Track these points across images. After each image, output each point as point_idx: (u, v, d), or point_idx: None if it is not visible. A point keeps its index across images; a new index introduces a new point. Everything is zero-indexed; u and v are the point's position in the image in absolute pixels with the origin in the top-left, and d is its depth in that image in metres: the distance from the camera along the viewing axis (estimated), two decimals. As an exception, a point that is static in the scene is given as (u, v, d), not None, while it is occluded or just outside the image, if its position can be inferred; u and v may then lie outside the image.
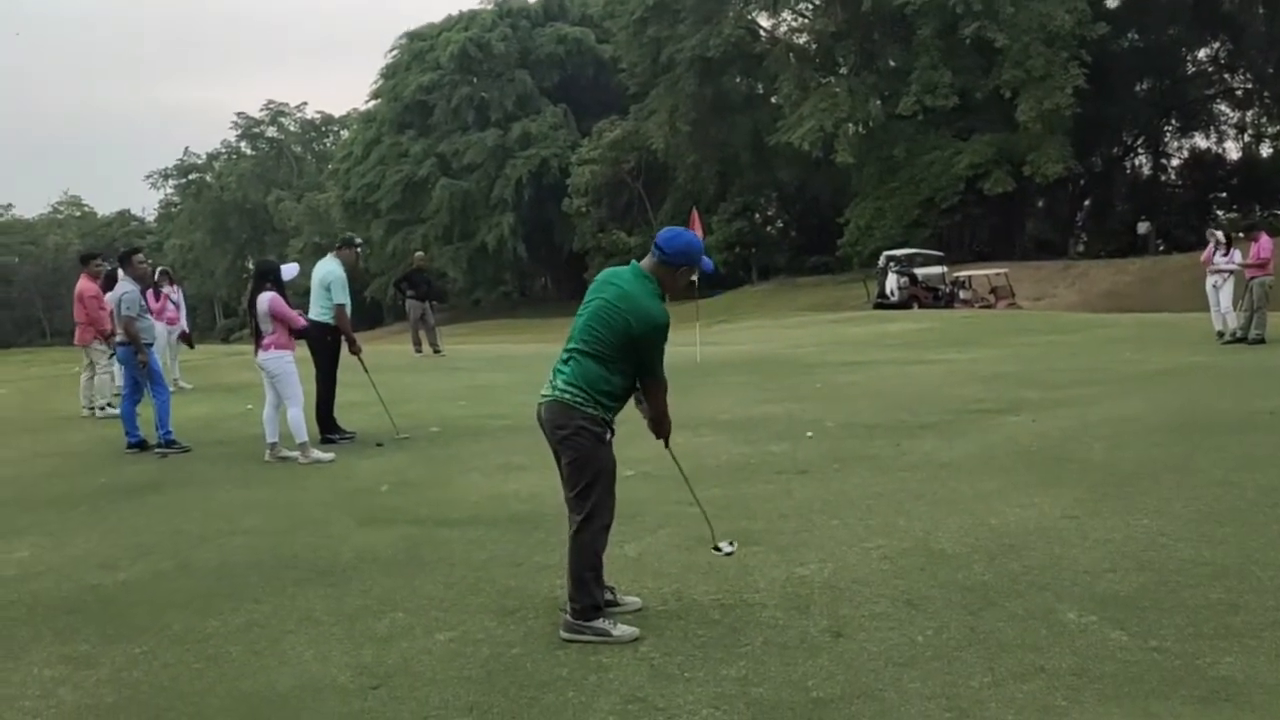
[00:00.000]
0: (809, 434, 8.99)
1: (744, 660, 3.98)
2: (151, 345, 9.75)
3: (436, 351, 19.27)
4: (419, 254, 22.84)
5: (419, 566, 5.49)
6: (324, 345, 9.83)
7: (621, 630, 4.33)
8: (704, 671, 3.90)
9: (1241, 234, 16.35)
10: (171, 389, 14.15)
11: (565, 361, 4.37)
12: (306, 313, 9.64)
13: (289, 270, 9.42)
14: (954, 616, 4.33)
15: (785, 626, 4.32)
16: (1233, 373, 11.94)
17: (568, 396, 4.30)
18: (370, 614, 4.75)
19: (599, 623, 4.30)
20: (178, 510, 7.22)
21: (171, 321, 14.25)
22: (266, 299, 8.74)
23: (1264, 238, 15.26)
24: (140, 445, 9.58)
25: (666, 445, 4.71)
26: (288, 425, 8.86)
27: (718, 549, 4.91)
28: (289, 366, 8.86)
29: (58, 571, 5.76)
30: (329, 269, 9.85)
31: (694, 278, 4.70)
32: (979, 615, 4.33)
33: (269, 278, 8.92)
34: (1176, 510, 5.87)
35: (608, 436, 4.36)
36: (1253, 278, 14.92)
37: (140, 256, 9.91)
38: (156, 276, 14.59)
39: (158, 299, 13.98)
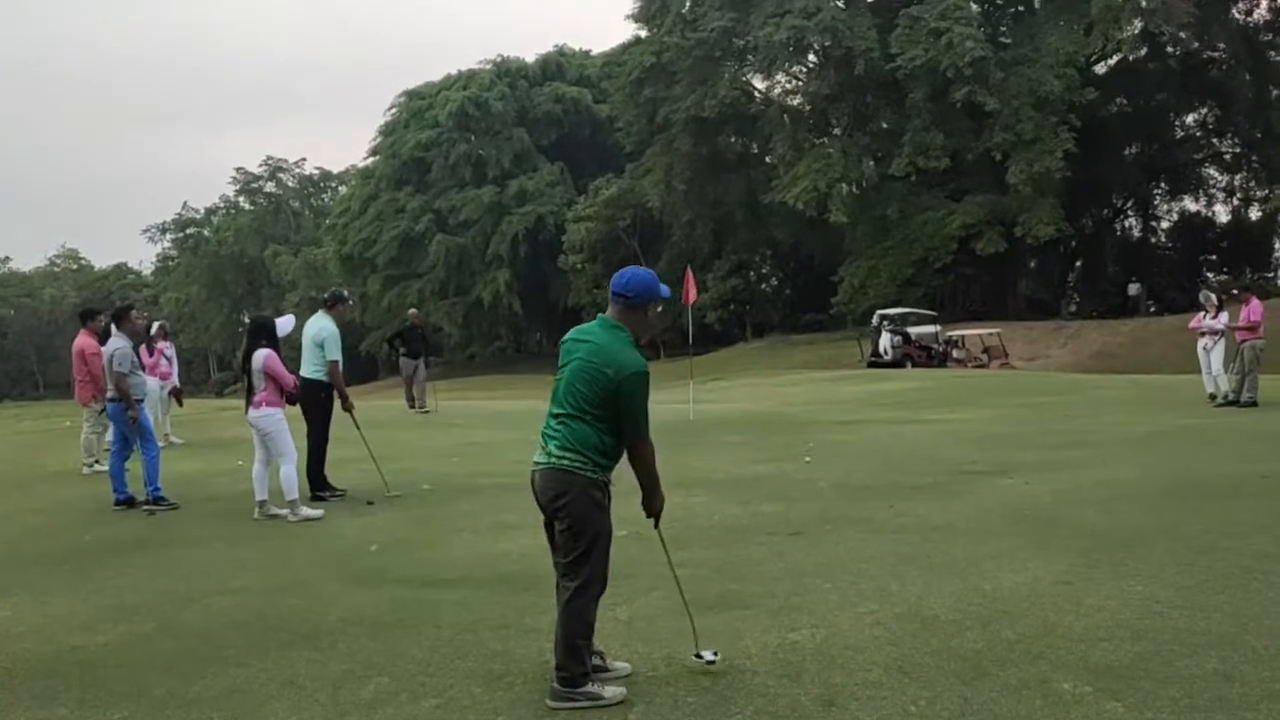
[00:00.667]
0: (821, 484, 8.95)
1: (734, 730, 3.92)
2: (142, 401, 9.70)
3: (423, 410, 19.02)
4: (413, 311, 22.86)
5: (406, 629, 5.42)
6: (317, 402, 9.79)
7: (611, 692, 4.27)
8: (693, 742, 3.84)
9: (1235, 292, 16.47)
10: (162, 444, 14.08)
11: (555, 427, 4.30)
12: (298, 370, 9.63)
13: (284, 324, 9.37)
14: (947, 686, 4.27)
15: (777, 695, 4.26)
16: (1224, 436, 11.93)
17: (566, 463, 4.23)
18: (355, 679, 4.67)
19: (588, 687, 4.23)
20: (164, 569, 7.13)
21: (164, 376, 14.22)
22: (262, 356, 8.73)
23: (1254, 301, 15.36)
24: (128, 502, 9.50)
25: (656, 525, 4.52)
26: (279, 481, 8.80)
27: (699, 656, 4.52)
28: (280, 424, 8.83)
29: (38, 633, 5.68)
30: (321, 325, 9.85)
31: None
32: (972, 685, 4.27)
33: (264, 334, 8.91)
34: (1170, 577, 5.82)
35: (606, 502, 4.30)
36: (1243, 340, 14.98)
37: (135, 313, 9.91)
38: (154, 330, 14.60)
39: (151, 354, 13.96)
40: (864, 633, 5.03)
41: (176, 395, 14.71)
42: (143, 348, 14.06)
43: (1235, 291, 16.78)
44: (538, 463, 4.34)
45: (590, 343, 4.30)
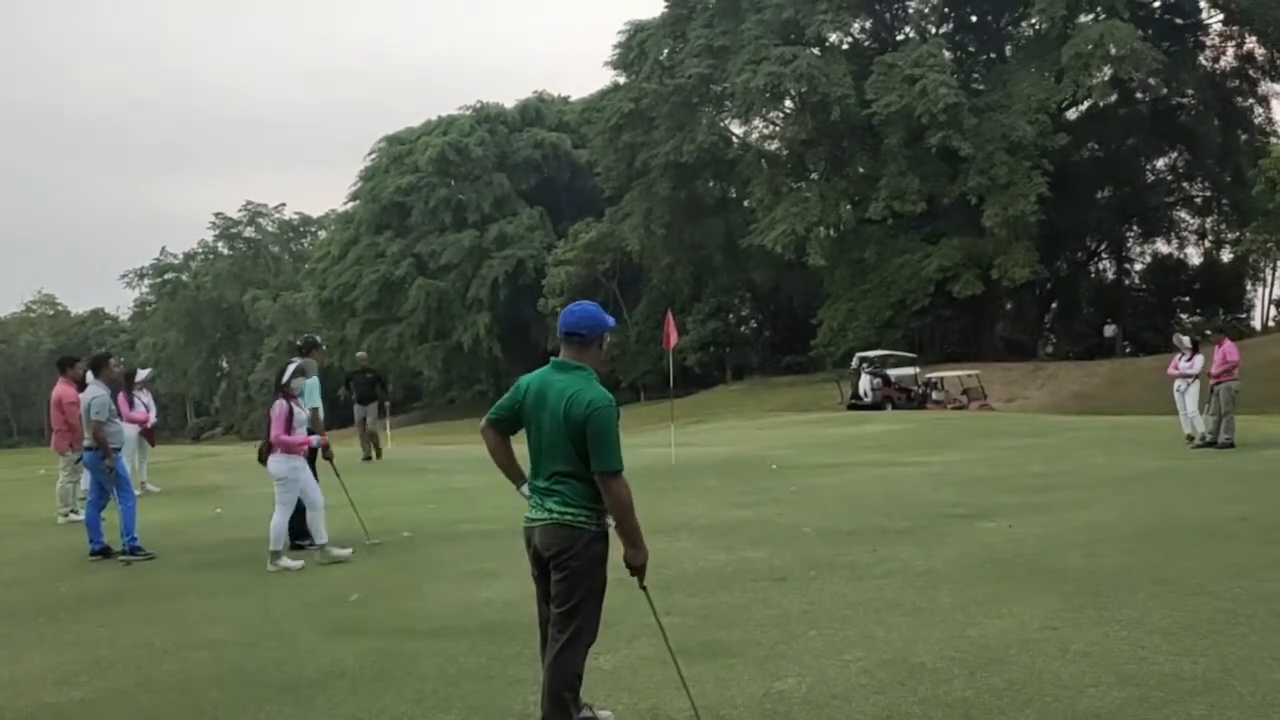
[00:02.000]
0: (805, 528, 8.92)
1: (722, 784, 3.87)
2: (119, 450, 9.60)
3: (370, 457, 18.07)
4: (361, 354, 21.51)
5: (387, 682, 5.34)
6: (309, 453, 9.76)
7: None
8: (681, 796, 3.79)
9: (1209, 333, 16.66)
10: (139, 491, 13.96)
11: (552, 486, 4.21)
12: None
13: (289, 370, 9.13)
14: (935, 736, 4.24)
15: (764, 746, 4.22)
16: (1203, 478, 12.00)
17: (569, 518, 4.15)
18: (336, 734, 4.60)
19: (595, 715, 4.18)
20: (140, 621, 7.03)
21: (139, 422, 14.04)
22: (276, 405, 8.77)
23: (1227, 343, 15.52)
24: (104, 552, 9.37)
25: (641, 584, 4.31)
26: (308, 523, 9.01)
27: None
28: (288, 472, 8.76)
29: (12, 688, 5.57)
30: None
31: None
32: (961, 734, 4.25)
33: (278, 382, 9.02)
34: (1155, 621, 5.83)
35: (606, 553, 4.24)
36: (1218, 382, 15.11)
37: (113, 362, 9.82)
38: (142, 377, 14.51)
39: (131, 403, 13.84)
40: (850, 681, 5.00)
41: (149, 435, 14.42)
42: (121, 395, 13.99)
43: (1209, 333, 16.95)
44: (534, 519, 4.26)
45: (558, 392, 4.19)
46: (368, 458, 18.02)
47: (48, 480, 14.49)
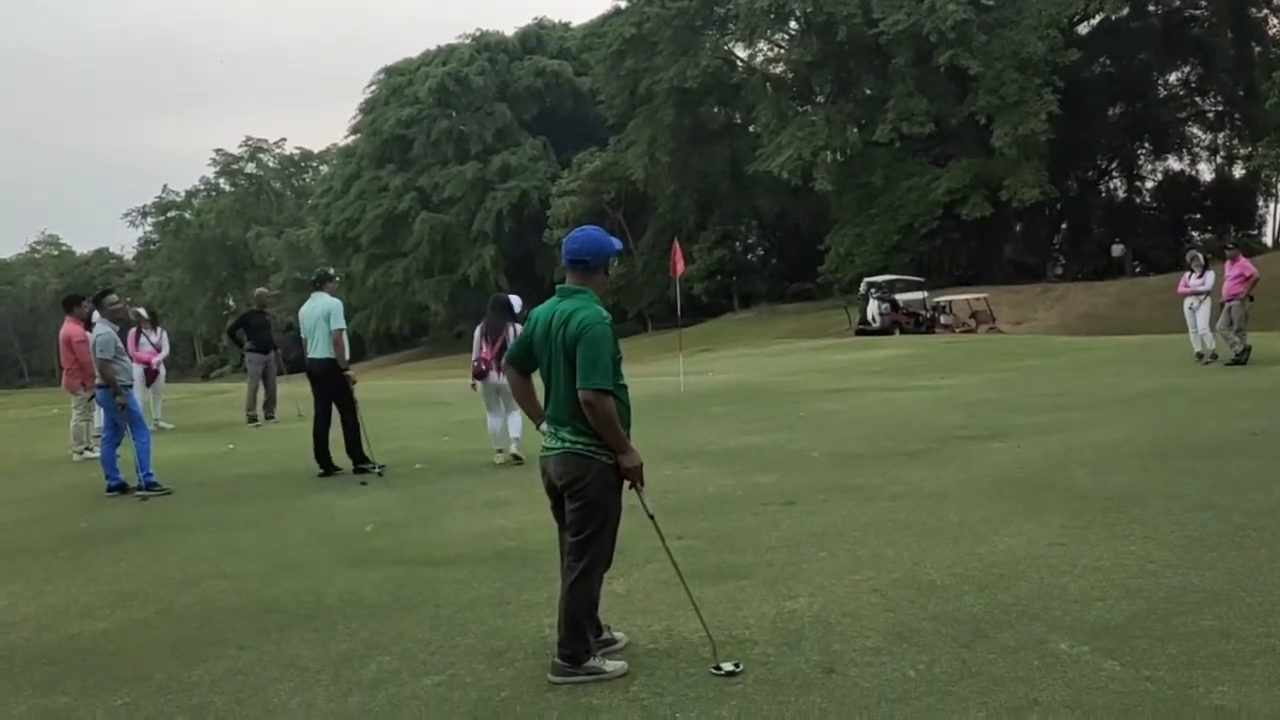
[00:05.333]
0: (814, 453, 8.97)
1: (736, 700, 3.93)
2: (130, 387, 9.65)
3: (269, 417, 15.09)
4: (261, 290, 17.47)
5: (405, 608, 5.42)
6: (341, 380, 9.92)
7: (613, 666, 4.29)
8: (696, 712, 3.85)
9: (1227, 249, 16.56)
10: (152, 429, 14.08)
11: (561, 413, 4.22)
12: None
13: (516, 301, 10.10)
14: (945, 650, 4.30)
15: (776, 663, 4.28)
16: (1213, 395, 12.00)
17: (580, 447, 4.17)
18: (356, 659, 4.68)
19: (590, 663, 4.25)
20: (159, 554, 7.12)
21: (144, 361, 14.08)
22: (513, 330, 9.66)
23: (1241, 259, 15.41)
24: (121, 488, 9.47)
25: (634, 488, 4.29)
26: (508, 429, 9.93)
27: (718, 669, 4.20)
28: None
29: (36, 621, 5.66)
30: (324, 301, 9.94)
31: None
32: (970, 648, 4.30)
33: (510, 312, 9.93)
34: (1164, 536, 5.86)
35: (619, 484, 4.25)
36: (1231, 297, 15.03)
37: (113, 298, 9.78)
38: (144, 315, 14.54)
39: (138, 340, 13.91)
40: (861, 600, 5.05)
41: (151, 373, 14.36)
42: (131, 333, 14.07)
43: (1228, 249, 16.82)
44: (549, 449, 4.30)
45: (556, 319, 4.19)
46: (256, 419, 15.01)
47: (61, 420, 14.63)
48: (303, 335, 10.03)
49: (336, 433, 10.07)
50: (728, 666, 4.22)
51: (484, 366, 9.91)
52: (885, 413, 12.40)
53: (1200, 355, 15.78)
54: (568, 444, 4.21)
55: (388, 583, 5.95)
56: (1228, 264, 15.56)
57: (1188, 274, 16.11)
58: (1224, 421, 9.95)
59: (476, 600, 5.47)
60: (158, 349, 14.34)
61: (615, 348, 4.20)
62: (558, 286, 4.37)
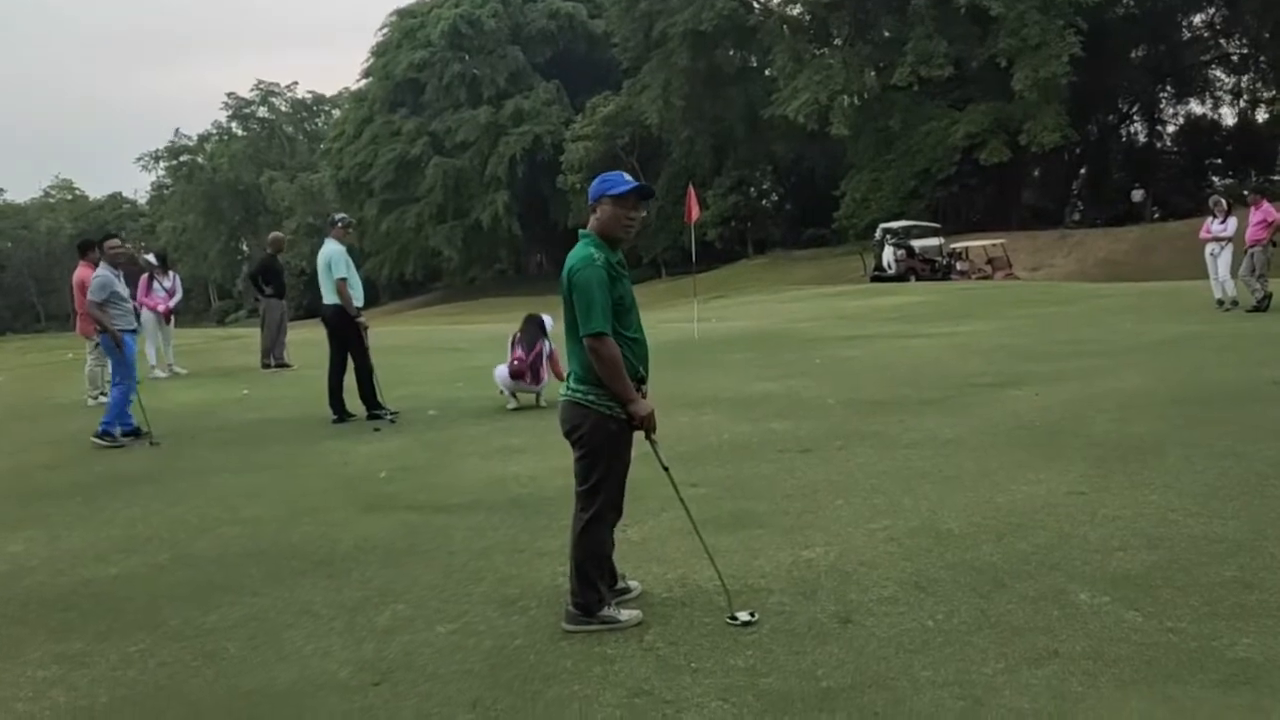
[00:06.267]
0: (830, 400, 8.91)
1: (751, 649, 3.90)
2: (133, 332, 9.50)
3: (281, 364, 14.93)
4: (276, 235, 16.77)
5: (419, 555, 5.41)
6: (353, 326, 9.87)
7: (627, 615, 4.27)
8: (711, 661, 3.82)
9: (1245, 194, 16.31)
10: (165, 374, 14.13)
11: (570, 361, 4.21)
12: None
13: (549, 321, 10.12)
14: (964, 599, 4.25)
15: (793, 613, 4.24)
16: (1234, 342, 11.85)
17: (579, 395, 4.13)
18: (370, 606, 4.67)
19: (603, 612, 4.22)
20: (174, 500, 7.13)
21: (154, 308, 14.04)
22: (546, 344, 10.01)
23: (1265, 203, 15.16)
24: (135, 433, 9.47)
25: (649, 437, 4.20)
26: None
27: (734, 619, 4.17)
28: None
29: (51, 566, 5.67)
30: (328, 250, 9.85)
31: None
32: (989, 598, 4.25)
33: (543, 329, 10.09)
34: (1185, 485, 5.79)
35: (624, 433, 4.16)
36: (1254, 243, 14.81)
37: (115, 241, 9.63)
38: (154, 261, 14.49)
39: (150, 286, 13.88)
40: (878, 549, 5.01)
41: (166, 316, 14.37)
42: (143, 279, 14.04)
43: (1245, 194, 16.55)
44: (561, 394, 4.29)
45: (566, 267, 4.16)
46: (279, 364, 14.93)
47: (76, 364, 14.66)
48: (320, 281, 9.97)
49: (351, 379, 10.05)
50: (743, 616, 4.19)
51: (519, 365, 9.94)
52: (901, 360, 12.30)
53: (1221, 302, 15.59)
54: (569, 391, 4.19)
55: (402, 529, 5.94)
56: (1250, 209, 15.32)
57: (1210, 219, 15.87)
58: (1245, 369, 9.82)
59: (490, 548, 5.46)
60: (171, 294, 14.30)
61: (622, 290, 4.10)
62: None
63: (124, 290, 9.38)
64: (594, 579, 4.25)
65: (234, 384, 13.29)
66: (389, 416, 9.85)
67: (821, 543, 5.15)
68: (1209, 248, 15.79)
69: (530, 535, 5.63)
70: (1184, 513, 5.26)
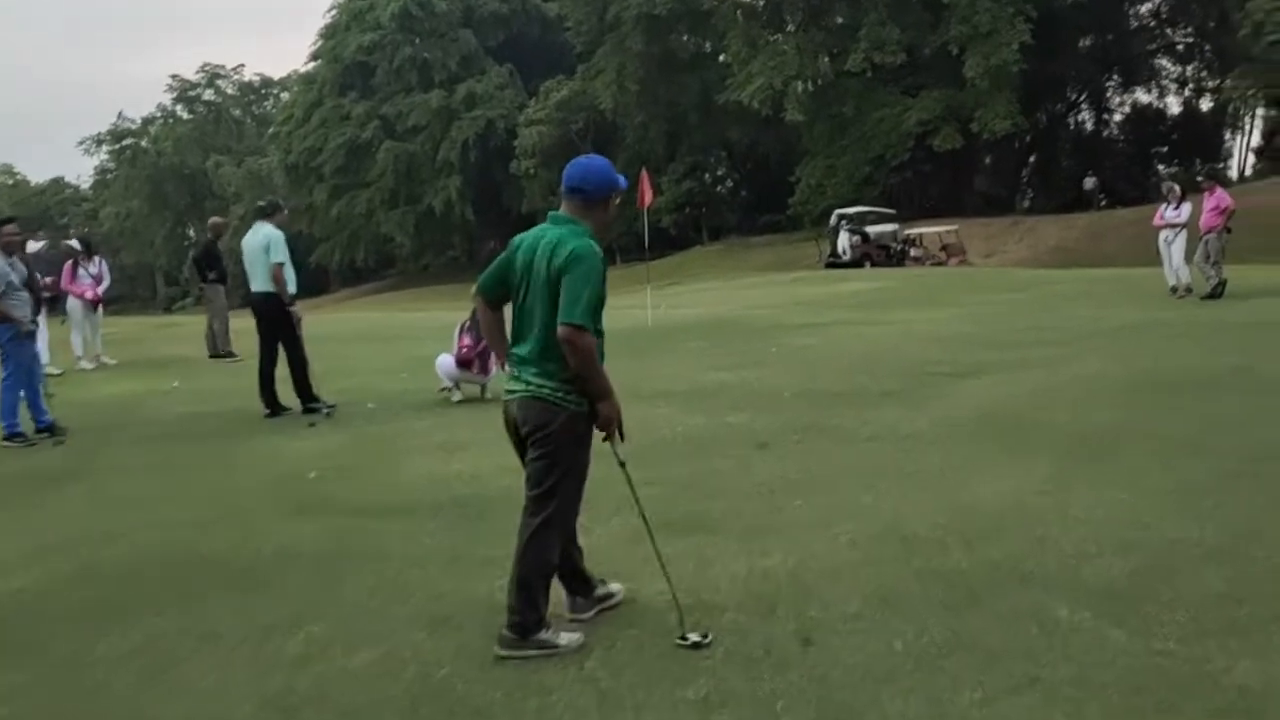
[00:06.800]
0: (785, 392, 8.57)
1: (704, 677, 3.53)
2: (30, 323, 8.84)
3: (229, 353, 14.14)
4: (216, 219, 16.25)
5: (345, 565, 4.99)
6: (285, 315, 9.32)
7: (566, 639, 3.87)
8: (659, 694, 3.44)
9: (1199, 180, 16.24)
10: (92, 365, 13.51)
11: (529, 354, 3.79)
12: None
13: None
14: (934, 617, 3.92)
15: (749, 632, 3.89)
16: (1191, 329, 11.71)
17: (545, 392, 3.74)
18: (284, 628, 4.23)
19: (542, 634, 3.84)
20: (90, 502, 6.65)
21: (80, 295, 13.38)
22: None
23: (1219, 190, 15.06)
24: (49, 429, 8.89)
25: (608, 440, 3.88)
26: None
27: (684, 640, 3.81)
28: None
29: (-57, 580, 5.18)
30: (265, 232, 9.36)
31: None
32: (962, 615, 3.92)
33: None
34: (1154, 481, 5.53)
35: (588, 435, 3.83)
36: (1209, 229, 14.70)
37: (12, 227, 8.82)
38: (78, 247, 13.88)
39: (74, 273, 13.26)
40: (839, 556, 4.67)
41: (95, 303, 13.72)
42: (67, 265, 13.41)
43: (1199, 180, 16.48)
44: (512, 391, 3.86)
45: (543, 245, 3.76)
46: (223, 354, 14.27)
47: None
48: (246, 268, 9.46)
49: (284, 371, 9.56)
50: (694, 637, 3.82)
51: (467, 353, 9.51)
52: (859, 348, 12.02)
53: (1174, 289, 15.49)
54: (533, 387, 3.77)
55: (329, 535, 5.51)
56: (1204, 195, 15.21)
57: (1164, 206, 15.77)
58: (1203, 356, 9.67)
59: (425, 556, 5.05)
60: (98, 280, 13.65)
61: (603, 288, 3.76)
62: (550, 213, 3.92)
63: (18, 279, 8.60)
64: (537, 596, 3.85)
65: (165, 376, 12.70)
66: (325, 410, 9.38)
67: (779, 549, 4.81)
68: (1163, 234, 15.67)
69: (469, 541, 5.24)
70: (1157, 513, 4.98)
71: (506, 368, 3.96)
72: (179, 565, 5.15)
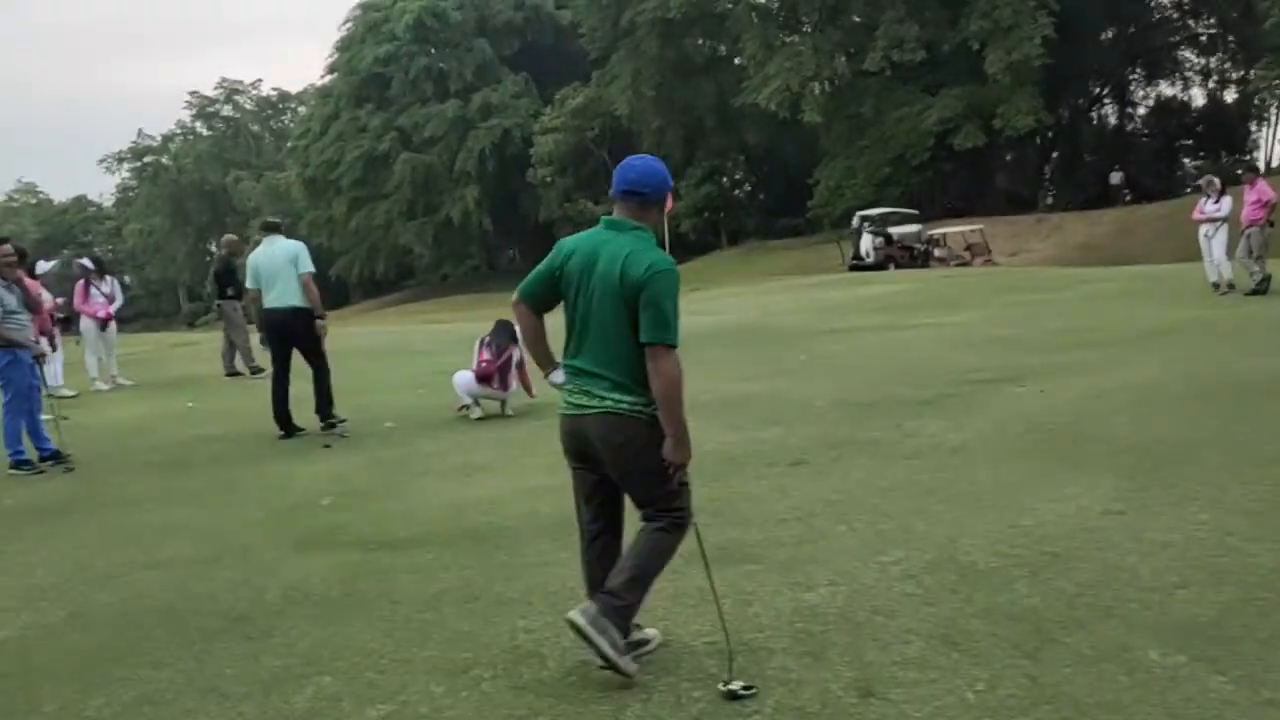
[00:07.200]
0: (818, 402, 8.16)
1: (754, 740, 3.14)
2: (36, 345, 8.51)
3: (256, 370, 13.63)
4: (230, 236, 15.97)
5: (357, 607, 4.61)
6: (311, 329, 8.99)
7: (628, 664, 3.54)
8: (705, 763, 3.06)
9: (1239, 173, 15.73)
10: (108, 386, 13.24)
11: (599, 368, 3.54)
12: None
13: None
14: (1007, 661, 3.51)
15: (800, 682, 3.48)
16: (1241, 328, 11.22)
17: (625, 406, 3.51)
18: (291, 679, 3.86)
19: (628, 631, 3.57)
20: (87, 538, 6.29)
21: (93, 315, 13.08)
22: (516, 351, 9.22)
23: (1260, 182, 14.56)
24: (54, 456, 8.55)
25: (679, 481, 3.65)
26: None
27: (727, 687, 3.44)
28: None
29: (-72, 627, 4.84)
30: (286, 244, 9.11)
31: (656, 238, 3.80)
32: (1038, 659, 3.50)
33: (514, 336, 9.06)
34: (1235, 498, 5.08)
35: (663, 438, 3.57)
36: (1251, 223, 14.19)
37: (7, 248, 8.42)
38: (90, 266, 13.62)
39: (87, 292, 13.00)
40: (893, 589, 4.26)
41: (105, 322, 13.39)
42: (79, 285, 13.16)
43: (1240, 172, 15.96)
44: (585, 407, 3.58)
45: (609, 253, 3.51)
46: (249, 370, 13.97)
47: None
48: (255, 285, 9.07)
49: (298, 390, 9.21)
50: (736, 686, 3.43)
51: (487, 367, 9.21)
52: (890, 354, 11.59)
53: (1216, 285, 14.97)
54: (609, 403, 3.53)
55: (339, 573, 5.13)
56: (1245, 188, 14.71)
57: (1203, 199, 15.25)
58: (1259, 358, 9.18)
59: (440, 595, 4.67)
60: (110, 300, 13.36)
61: None
62: (604, 218, 3.66)
63: (15, 301, 8.21)
64: (644, 592, 3.61)
65: (180, 396, 12.41)
66: (339, 427, 9.04)
67: (826, 581, 4.41)
68: (1203, 229, 15.16)
69: (487, 578, 4.85)
70: (1243, 535, 4.54)
71: (551, 378, 3.78)
72: (176, 611, 4.78)
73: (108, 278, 13.72)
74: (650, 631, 3.85)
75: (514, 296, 3.77)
